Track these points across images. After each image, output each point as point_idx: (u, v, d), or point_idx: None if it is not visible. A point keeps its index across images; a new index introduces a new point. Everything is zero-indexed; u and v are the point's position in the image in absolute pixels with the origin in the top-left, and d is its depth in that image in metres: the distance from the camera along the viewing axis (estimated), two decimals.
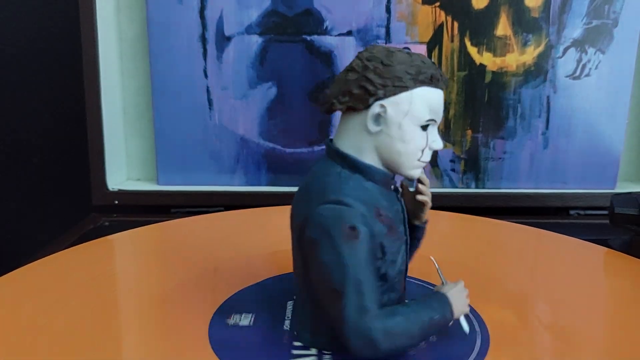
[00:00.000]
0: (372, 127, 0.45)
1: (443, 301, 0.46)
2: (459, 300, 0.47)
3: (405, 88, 0.45)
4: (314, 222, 0.44)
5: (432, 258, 0.53)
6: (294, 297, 0.53)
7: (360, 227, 0.43)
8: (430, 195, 0.51)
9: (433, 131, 0.47)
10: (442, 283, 0.49)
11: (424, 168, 0.49)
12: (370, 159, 0.46)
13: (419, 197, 0.51)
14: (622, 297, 0.61)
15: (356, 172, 0.46)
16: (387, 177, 0.47)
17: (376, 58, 0.45)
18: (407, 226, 0.49)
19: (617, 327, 0.54)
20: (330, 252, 0.43)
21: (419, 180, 0.51)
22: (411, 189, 0.52)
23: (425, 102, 0.45)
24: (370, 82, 0.44)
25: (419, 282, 0.61)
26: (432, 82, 0.45)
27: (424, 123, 0.46)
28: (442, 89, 0.47)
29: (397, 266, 0.47)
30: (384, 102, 0.45)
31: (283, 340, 0.49)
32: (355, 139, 0.46)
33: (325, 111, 0.47)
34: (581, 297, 0.60)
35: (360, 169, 0.46)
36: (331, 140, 0.48)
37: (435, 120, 0.46)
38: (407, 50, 0.46)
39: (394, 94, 0.45)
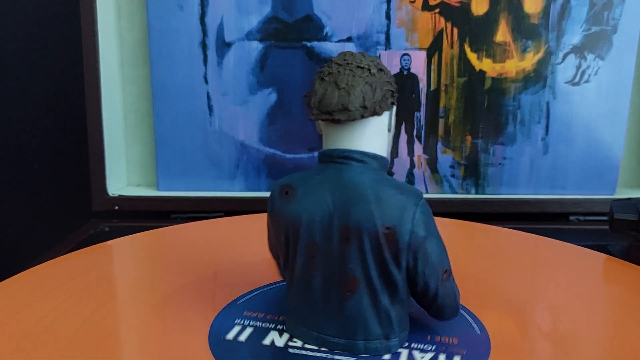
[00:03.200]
0: (392, 126, 0.51)
1: None
2: None
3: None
4: (420, 221, 0.46)
5: None
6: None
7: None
8: None
9: None
10: None
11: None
12: (387, 155, 0.51)
13: None
14: (621, 304, 0.61)
15: (381, 169, 0.49)
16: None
17: (376, 63, 0.49)
18: None
19: (617, 334, 0.54)
20: (438, 242, 0.48)
21: None
22: None
23: None
24: (391, 84, 0.49)
25: None
26: None
27: None
28: None
29: None
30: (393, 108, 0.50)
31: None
32: (379, 139, 0.50)
33: (358, 117, 0.47)
34: (581, 304, 0.60)
35: (386, 165, 0.50)
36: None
37: None
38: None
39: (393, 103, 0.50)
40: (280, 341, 0.50)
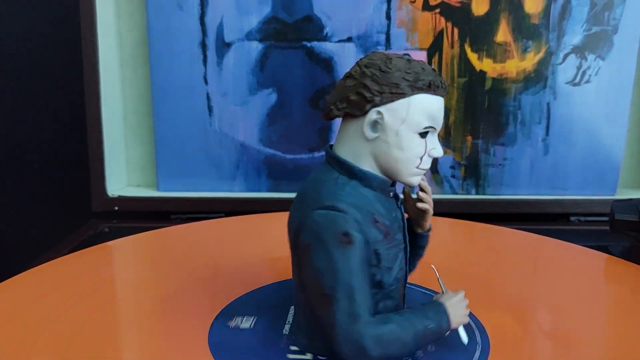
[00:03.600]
0: (369, 134, 0.45)
1: (440, 311, 0.45)
2: (458, 310, 0.46)
3: (402, 95, 0.45)
4: (307, 227, 0.44)
5: (433, 267, 0.52)
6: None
7: (354, 233, 0.43)
8: (431, 203, 0.51)
9: (432, 138, 0.47)
10: (442, 292, 0.49)
11: (425, 174, 0.49)
12: (368, 165, 0.46)
13: (420, 204, 0.51)
14: (622, 304, 0.61)
15: (353, 179, 0.46)
16: (384, 183, 0.47)
17: (374, 64, 0.45)
18: (406, 233, 0.49)
19: (617, 334, 0.54)
20: (323, 258, 0.43)
21: (421, 188, 0.50)
22: (413, 196, 0.52)
23: (423, 109, 0.45)
24: (367, 88, 0.44)
25: (422, 290, 0.60)
26: (430, 89, 0.45)
27: (422, 130, 0.45)
28: (441, 95, 0.46)
29: (394, 274, 0.47)
30: (381, 108, 0.45)
31: (280, 345, 0.49)
32: (353, 145, 0.46)
33: (325, 117, 0.47)
34: (581, 304, 0.59)
35: (358, 175, 0.46)
36: (331, 146, 0.48)
37: (434, 128, 0.46)
38: (407, 56, 0.46)
39: (391, 100, 0.45)
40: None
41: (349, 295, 0.43)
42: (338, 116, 0.47)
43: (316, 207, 0.44)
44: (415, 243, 0.52)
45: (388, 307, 0.47)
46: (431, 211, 0.51)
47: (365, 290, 0.44)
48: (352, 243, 0.43)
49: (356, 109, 0.45)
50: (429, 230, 0.52)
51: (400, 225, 0.48)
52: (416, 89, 0.45)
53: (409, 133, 0.45)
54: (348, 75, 0.46)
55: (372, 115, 0.45)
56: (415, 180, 0.47)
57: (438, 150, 0.47)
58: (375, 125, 0.45)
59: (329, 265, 0.43)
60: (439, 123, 0.46)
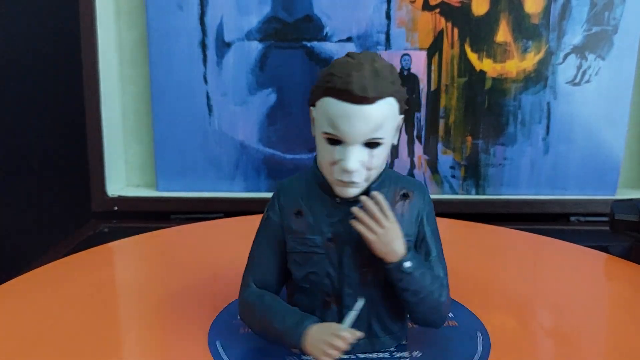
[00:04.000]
0: (312, 130, 0.46)
1: (300, 327, 0.44)
2: (318, 344, 0.43)
3: (317, 96, 0.44)
4: None
5: (360, 302, 0.46)
6: None
7: (271, 213, 0.48)
8: (373, 227, 0.44)
9: (344, 149, 0.43)
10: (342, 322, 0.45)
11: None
12: (319, 162, 0.46)
13: (352, 222, 0.45)
14: (623, 304, 0.61)
15: (313, 172, 0.47)
16: (324, 185, 0.46)
17: (330, 64, 0.44)
18: (345, 245, 0.46)
19: (618, 333, 0.54)
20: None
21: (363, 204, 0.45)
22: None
23: (324, 113, 0.43)
24: (318, 85, 0.44)
25: None
26: (332, 92, 0.42)
27: (324, 136, 0.44)
28: (348, 102, 0.42)
29: (304, 273, 0.47)
30: (313, 107, 0.45)
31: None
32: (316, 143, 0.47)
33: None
34: (582, 304, 0.59)
35: (313, 169, 0.47)
36: None
37: (336, 136, 0.43)
38: (365, 56, 0.43)
39: (314, 100, 0.45)
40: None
41: (250, 260, 0.49)
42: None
43: None
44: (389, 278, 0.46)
45: (304, 303, 0.47)
46: (368, 235, 0.44)
47: (262, 263, 0.48)
48: (267, 219, 0.48)
49: (310, 105, 0.46)
50: (392, 264, 0.44)
51: (340, 235, 0.46)
52: (323, 91, 0.43)
53: (319, 136, 0.45)
54: None
55: (311, 112, 0.46)
56: (339, 190, 0.45)
57: (345, 163, 0.43)
58: (313, 122, 0.46)
59: (255, 235, 0.50)
60: (344, 132, 0.42)
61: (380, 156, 0.44)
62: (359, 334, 0.44)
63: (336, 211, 0.46)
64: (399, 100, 0.44)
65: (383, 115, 0.43)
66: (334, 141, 0.43)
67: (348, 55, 0.44)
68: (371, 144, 0.43)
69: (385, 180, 0.47)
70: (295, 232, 0.47)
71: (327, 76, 0.43)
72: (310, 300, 0.47)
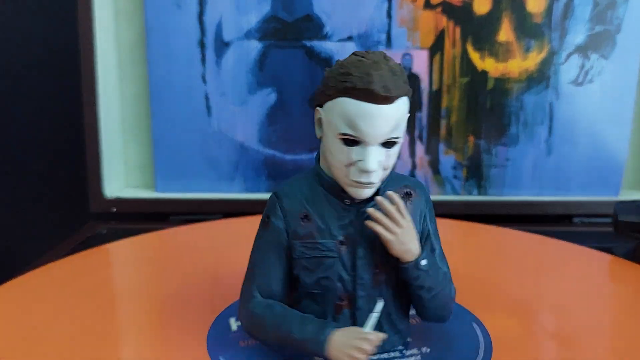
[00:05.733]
0: (317, 132, 0.46)
1: (321, 340, 0.43)
2: (344, 349, 0.42)
3: (329, 96, 0.43)
4: None
5: (380, 302, 0.46)
6: None
7: (274, 219, 0.46)
8: (390, 226, 0.44)
9: (363, 150, 0.43)
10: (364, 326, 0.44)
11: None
12: (325, 165, 0.46)
13: (367, 222, 0.45)
14: (627, 305, 0.60)
15: (316, 174, 0.46)
16: (334, 187, 0.45)
17: (336, 63, 0.44)
18: (359, 249, 0.45)
19: (622, 335, 0.53)
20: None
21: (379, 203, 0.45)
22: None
23: (340, 114, 0.43)
24: (317, 87, 0.44)
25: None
26: (351, 92, 0.42)
27: (340, 137, 0.43)
28: (370, 102, 0.42)
29: (315, 278, 0.46)
30: (321, 108, 0.44)
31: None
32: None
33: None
34: (586, 305, 0.59)
35: (315, 171, 0.47)
36: None
37: (355, 137, 0.42)
38: (376, 55, 0.43)
39: (324, 101, 0.44)
40: None
41: (251, 270, 0.47)
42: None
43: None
44: (403, 277, 0.46)
45: (314, 310, 0.46)
46: (386, 235, 0.44)
47: (267, 272, 0.46)
48: (268, 226, 0.46)
49: (310, 106, 0.46)
50: (409, 263, 0.45)
51: (351, 237, 0.45)
52: (339, 91, 0.42)
53: (333, 138, 0.44)
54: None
55: (317, 113, 0.45)
56: (354, 192, 0.44)
57: (365, 163, 0.42)
58: (319, 124, 0.45)
59: (254, 243, 0.48)
60: (364, 133, 0.42)
61: (394, 156, 0.44)
62: (383, 335, 0.43)
63: (346, 213, 0.46)
64: (409, 99, 0.44)
65: (400, 115, 0.43)
66: (351, 142, 0.43)
67: (357, 54, 0.43)
68: (388, 144, 0.43)
69: (390, 180, 0.47)
70: (304, 237, 0.45)
71: (343, 76, 0.42)
72: (321, 306, 0.46)
